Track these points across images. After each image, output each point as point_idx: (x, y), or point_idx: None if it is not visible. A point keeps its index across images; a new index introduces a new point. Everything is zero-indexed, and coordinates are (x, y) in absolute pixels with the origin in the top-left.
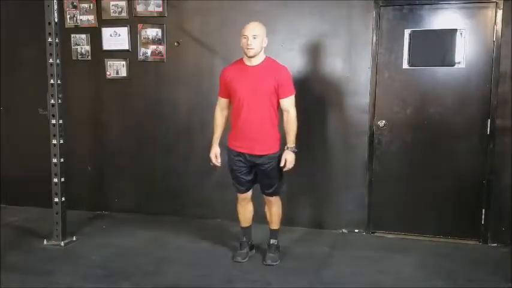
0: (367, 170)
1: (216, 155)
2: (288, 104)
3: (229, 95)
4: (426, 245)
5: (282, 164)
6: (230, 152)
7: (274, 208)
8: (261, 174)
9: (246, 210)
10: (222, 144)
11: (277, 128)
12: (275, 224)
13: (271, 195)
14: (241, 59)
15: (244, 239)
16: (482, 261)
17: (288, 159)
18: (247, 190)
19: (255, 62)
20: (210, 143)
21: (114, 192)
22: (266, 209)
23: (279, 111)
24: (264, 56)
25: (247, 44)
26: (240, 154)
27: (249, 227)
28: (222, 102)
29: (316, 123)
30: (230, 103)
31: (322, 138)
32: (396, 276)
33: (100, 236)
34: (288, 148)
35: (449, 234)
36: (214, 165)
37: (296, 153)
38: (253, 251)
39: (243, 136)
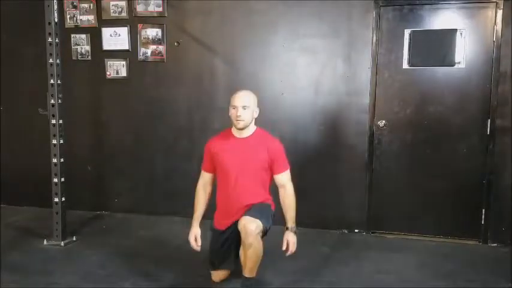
0: (367, 170)
1: (196, 237)
2: (284, 179)
3: (214, 169)
4: (426, 245)
5: (284, 248)
6: (215, 232)
7: (251, 250)
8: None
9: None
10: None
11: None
12: (249, 270)
13: (251, 221)
14: (229, 129)
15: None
16: (482, 261)
17: (290, 240)
18: (227, 267)
19: (245, 134)
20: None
21: (114, 192)
22: (240, 250)
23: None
24: (255, 128)
25: (237, 116)
26: (227, 229)
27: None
28: (205, 177)
29: (316, 123)
30: (214, 178)
31: (322, 138)
32: (396, 276)
33: (100, 236)
34: (288, 228)
35: (449, 234)
36: (194, 249)
37: (293, 157)
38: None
39: (231, 214)
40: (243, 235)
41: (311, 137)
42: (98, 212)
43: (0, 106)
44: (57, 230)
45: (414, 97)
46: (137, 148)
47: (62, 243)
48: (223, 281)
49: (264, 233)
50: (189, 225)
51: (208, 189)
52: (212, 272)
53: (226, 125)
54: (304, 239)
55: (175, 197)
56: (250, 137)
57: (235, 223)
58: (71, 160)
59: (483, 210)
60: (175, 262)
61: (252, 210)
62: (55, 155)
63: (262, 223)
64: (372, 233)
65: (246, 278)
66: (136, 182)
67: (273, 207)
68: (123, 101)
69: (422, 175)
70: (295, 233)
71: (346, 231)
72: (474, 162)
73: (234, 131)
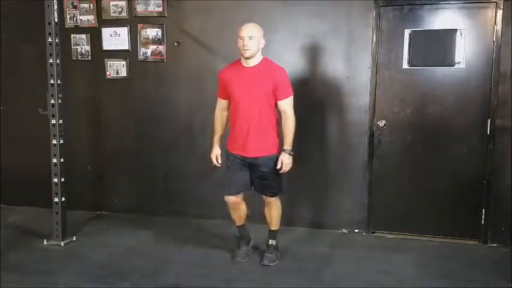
0: (367, 170)
1: (216, 156)
2: (286, 105)
3: (228, 96)
4: (426, 245)
5: (278, 167)
6: (228, 154)
7: (274, 210)
8: (259, 176)
9: (239, 211)
10: (221, 146)
11: (276, 129)
12: (274, 225)
13: (271, 195)
14: (239, 60)
15: (242, 237)
16: (482, 261)
17: (285, 161)
18: (238, 192)
19: (252, 63)
20: (210, 143)
21: (114, 192)
22: (265, 211)
23: (278, 112)
24: (261, 57)
25: (244, 45)
26: (237, 156)
27: (244, 225)
28: (221, 104)
29: (316, 123)
30: (228, 104)
31: (322, 138)
32: (396, 276)
33: (100, 236)
34: (284, 150)
35: (449, 234)
36: (215, 166)
37: (293, 155)
38: (251, 249)
39: (241, 137)
40: (267, 205)
41: (311, 137)
42: (98, 212)
43: (0, 106)
44: (57, 230)
45: (414, 97)
46: (137, 148)
47: (62, 243)
48: (236, 205)
49: (281, 189)
50: (189, 226)
51: (225, 113)
52: (229, 197)
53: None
54: (304, 239)
55: (175, 197)
56: (256, 66)
57: (247, 158)
58: (71, 160)
59: (483, 210)
60: (175, 262)
61: (264, 182)
62: (55, 155)
63: (276, 189)
64: (372, 233)
65: (274, 230)
66: (137, 182)
67: (276, 148)
68: (123, 101)
69: (422, 175)
70: (290, 155)
71: (346, 231)
72: (474, 162)
73: (242, 60)
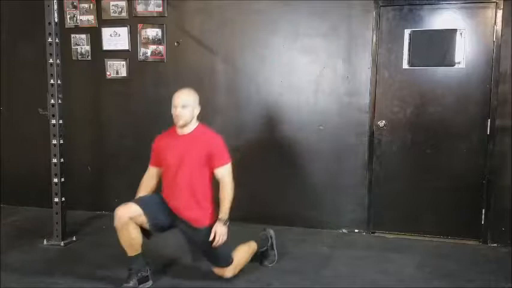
0: (367, 170)
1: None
2: (223, 173)
3: (159, 164)
4: (426, 245)
5: (211, 238)
6: (161, 197)
7: (237, 268)
8: (195, 245)
9: (127, 234)
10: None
11: (210, 199)
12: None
13: (220, 267)
14: (174, 127)
15: (133, 267)
16: (482, 261)
17: (218, 231)
18: (137, 206)
19: (186, 130)
20: None
21: (114, 192)
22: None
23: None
24: (196, 124)
25: (176, 115)
26: (168, 210)
27: (137, 256)
28: (151, 171)
29: (316, 123)
30: (160, 173)
31: (322, 138)
32: (396, 276)
33: (100, 236)
34: (219, 220)
35: (449, 234)
36: None
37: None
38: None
39: (173, 205)
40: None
41: (311, 137)
42: (98, 212)
43: (0, 106)
44: (57, 230)
45: (414, 97)
46: (137, 148)
47: (62, 243)
48: (125, 224)
49: (228, 258)
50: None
51: (152, 182)
52: (128, 204)
53: (227, 124)
54: (304, 239)
55: None
56: (190, 133)
57: (177, 219)
58: (71, 160)
59: (483, 210)
60: (175, 262)
61: (204, 254)
62: (55, 155)
63: (223, 261)
64: (372, 233)
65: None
66: (137, 182)
67: (208, 219)
68: (123, 101)
69: (422, 175)
70: (225, 224)
71: (346, 231)
72: (474, 162)
73: (177, 128)
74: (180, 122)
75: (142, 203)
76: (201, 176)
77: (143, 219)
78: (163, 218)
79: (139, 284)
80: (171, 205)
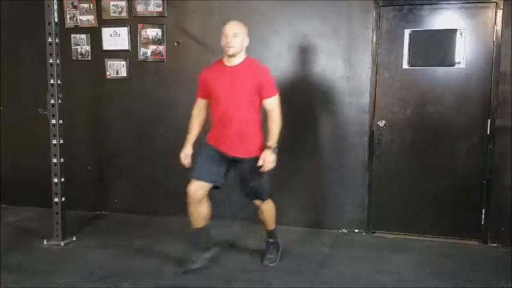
0: (367, 170)
1: (186, 155)
2: (272, 104)
3: (207, 95)
4: (426, 245)
5: (259, 163)
6: (207, 146)
7: (266, 213)
8: (243, 178)
9: (198, 208)
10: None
11: (259, 130)
12: (269, 226)
13: (260, 200)
14: (221, 59)
15: (196, 244)
16: (482, 261)
17: (267, 159)
18: (204, 180)
19: (235, 61)
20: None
21: (114, 192)
22: (259, 215)
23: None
24: (245, 56)
25: (227, 42)
26: (217, 150)
27: (201, 229)
28: (199, 103)
29: (316, 123)
30: (208, 104)
31: (322, 138)
32: (396, 276)
33: (100, 236)
34: (268, 147)
35: (449, 234)
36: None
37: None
38: (209, 257)
39: (223, 137)
40: (259, 209)
41: (311, 137)
42: (98, 212)
43: (0, 106)
44: (57, 230)
45: (414, 97)
46: (137, 148)
47: (62, 243)
48: (197, 195)
49: (267, 191)
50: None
51: (202, 114)
52: (192, 185)
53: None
54: (304, 239)
55: (175, 197)
56: (240, 64)
57: (231, 156)
58: (71, 160)
59: (483, 210)
60: (175, 262)
61: (249, 185)
62: (55, 155)
63: (263, 193)
64: (372, 233)
65: (271, 230)
66: (137, 182)
67: (259, 149)
68: (123, 101)
69: (422, 175)
70: (273, 152)
71: (346, 231)
72: (474, 162)
73: (225, 59)
74: (231, 51)
75: (205, 174)
76: (251, 106)
77: (210, 187)
78: (221, 172)
79: (203, 251)
80: (221, 147)
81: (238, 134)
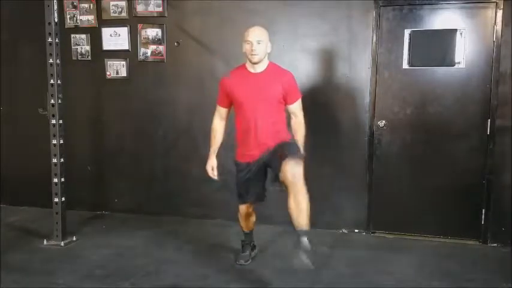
0: (367, 170)
1: (212, 167)
2: (296, 108)
3: (230, 104)
4: (426, 245)
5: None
6: (238, 164)
7: (300, 197)
8: (275, 152)
9: (248, 221)
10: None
11: (287, 132)
12: (303, 220)
13: (294, 171)
14: (243, 65)
15: (247, 241)
16: (482, 261)
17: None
18: (251, 202)
19: (259, 68)
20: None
21: (114, 192)
22: (291, 203)
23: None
24: (268, 62)
25: (252, 50)
26: (249, 164)
27: (250, 232)
28: (222, 112)
29: (316, 123)
30: (229, 113)
31: (322, 138)
32: (396, 276)
33: (100, 236)
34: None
35: (449, 234)
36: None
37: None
38: (254, 254)
39: (254, 145)
40: (290, 178)
41: (311, 137)
42: (98, 212)
43: (0, 106)
44: (57, 230)
45: (414, 97)
46: (137, 148)
47: (62, 243)
48: (247, 211)
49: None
50: (189, 226)
51: (224, 123)
52: (241, 205)
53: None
54: None
55: (175, 197)
56: (264, 71)
57: (261, 156)
58: (71, 160)
59: (483, 210)
60: (175, 262)
61: (288, 152)
62: (55, 155)
63: (298, 163)
64: (372, 233)
65: (303, 230)
66: (136, 182)
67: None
68: (123, 101)
69: (422, 175)
70: (301, 157)
71: (346, 231)
72: (474, 162)
73: (248, 66)
74: (256, 58)
75: (247, 197)
76: (278, 112)
77: (253, 206)
78: (261, 186)
79: (251, 251)
80: (252, 154)
81: (270, 140)
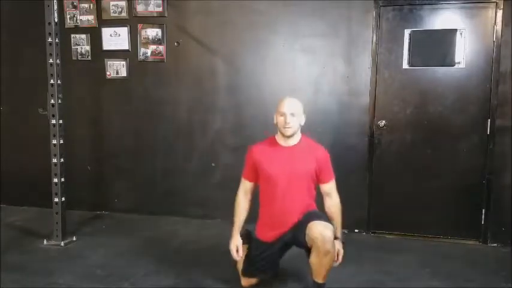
0: (367, 170)
1: (237, 247)
2: (332, 188)
3: (257, 178)
4: (426, 245)
5: (334, 255)
6: (260, 245)
7: (326, 259)
8: (300, 222)
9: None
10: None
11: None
12: (323, 277)
13: (328, 231)
14: (273, 137)
15: None
16: (482, 261)
17: (340, 251)
18: (268, 277)
19: (292, 142)
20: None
21: (114, 192)
22: (313, 258)
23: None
24: (300, 135)
25: (286, 123)
26: (272, 243)
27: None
28: (247, 186)
29: (315, 123)
30: (255, 187)
31: (322, 138)
32: (396, 276)
33: (100, 236)
34: (337, 238)
35: (449, 234)
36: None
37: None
38: None
39: (278, 225)
40: (319, 242)
41: (310, 137)
42: (98, 212)
43: (0, 106)
44: (57, 230)
45: (414, 97)
46: (137, 148)
47: (62, 243)
48: (252, 286)
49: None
50: (189, 226)
51: (249, 197)
52: (243, 278)
53: (227, 125)
54: None
55: (175, 197)
56: (297, 145)
57: (283, 236)
58: (71, 160)
59: (483, 210)
60: (175, 262)
61: (316, 216)
62: (55, 155)
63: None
64: (372, 233)
65: (320, 284)
66: (137, 182)
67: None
68: (123, 101)
69: (422, 175)
70: (343, 243)
71: (346, 231)
72: (474, 162)
73: (279, 139)
74: (289, 131)
75: (258, 274)
76: (309, 190)
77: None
78: (275, 262)
79: None
80: (271, 236)
81: (294, 219)
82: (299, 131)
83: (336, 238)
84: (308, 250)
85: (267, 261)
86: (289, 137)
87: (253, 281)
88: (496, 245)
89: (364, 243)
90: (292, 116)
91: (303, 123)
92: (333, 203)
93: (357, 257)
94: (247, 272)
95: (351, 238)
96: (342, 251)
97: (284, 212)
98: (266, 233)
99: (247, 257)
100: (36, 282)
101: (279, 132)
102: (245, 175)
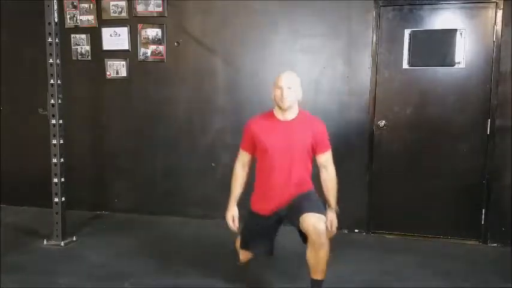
0: (367, 170)
1: (233, 217)
2: (327, 158)
3: (254, 150)
4: (426, 245)
5: (328, 227)
6: (255, 217)
7: (322, 252)
8: (295, 204)
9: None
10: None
11: (311, 184)
12: (321, 273)
13: (322, 223)
14: (271, 112)
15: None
16: (482, 261)
17: (334, 221)
18: (263, 253)
19: (290, 116)
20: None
21: (114, 192)
22: (309, 252)
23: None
24: (298, 110)
25: (282, 96)
26: (266, 217)
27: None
28: (244, 158)
29: None
30: (253, 159)
31: None
32: (396, 276)
33: (100, 236)
34: (331, 209)
35: (449, 234)
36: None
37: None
38: None
39: (274, 199)
40: (313, 236)
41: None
42: (98, 212)
43: (0, 106)
44: (57, 230)
45: (414, 97)
46: (137, 148)
47: (62, 243)
48: (248, 261)
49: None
50: (189, 226)
51: (247, 169)
52: (241, 251)
53: (227, 125)
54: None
55: (175, 197)
56: (294, 119)
57: (279, 211)
58: (71, 160)
59: (483, 210)
60: (175, 262)
61: (310, 205)
62: (55, 155)
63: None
64: (372, 233)
65: (318, 280)
66: (137, 182)
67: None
68: (123, 101)
69: (422, 175)
70: (336, 213)
71: (346, 231)
72: (474, 162)
73: (277, 113)
74: (286, 104)
75: (255, 248)
76: (306, 162)
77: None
78: (272, 239)
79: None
80: (271, 206)
81: (293, 189)
82: (297, 106)
83: (329, 209)
84: (302, 235)
85: (262, 234)
86: (286, 110)
87: (249, 255)
88: (496, 245)
89: (364, 243)
90: (289, 90)
91: (300, 97)
92: (328, 176)
93: (357, 257)
94: (243, 243)
95: (351, 238)
96: (335, 221)
97: (280, 184)
98: (262, 206)
99: (244, 230)
100: (36, 282)
101: (276, 107)
102: (243, 146)
